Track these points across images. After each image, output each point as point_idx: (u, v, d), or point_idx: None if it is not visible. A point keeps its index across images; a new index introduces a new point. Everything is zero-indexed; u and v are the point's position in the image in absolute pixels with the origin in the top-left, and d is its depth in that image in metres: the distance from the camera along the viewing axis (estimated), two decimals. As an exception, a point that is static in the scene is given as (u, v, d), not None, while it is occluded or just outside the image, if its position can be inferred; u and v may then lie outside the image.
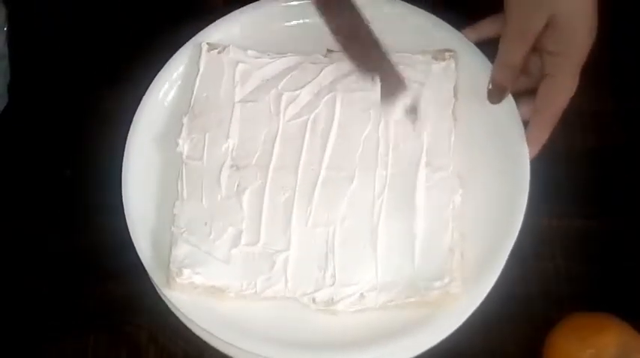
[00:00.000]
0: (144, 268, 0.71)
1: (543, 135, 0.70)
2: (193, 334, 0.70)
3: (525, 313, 0.74)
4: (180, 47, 0.76)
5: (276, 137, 0.71)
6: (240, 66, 0.75)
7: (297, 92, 0.73)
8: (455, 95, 0.73)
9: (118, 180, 0.72)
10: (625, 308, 0.71)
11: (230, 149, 0.71)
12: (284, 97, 0.73)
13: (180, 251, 0.68)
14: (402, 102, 0.72)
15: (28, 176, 0.83)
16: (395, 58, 0.73)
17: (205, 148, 0.71)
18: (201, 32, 0.76)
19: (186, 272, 0.67)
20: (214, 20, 0.77)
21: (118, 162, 0.72)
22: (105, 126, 0.83)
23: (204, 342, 0.70)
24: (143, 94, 0.74)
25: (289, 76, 0.74)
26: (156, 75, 0.75)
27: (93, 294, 0.78)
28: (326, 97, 0.73)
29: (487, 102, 0.72)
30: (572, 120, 0.80)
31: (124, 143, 0.73)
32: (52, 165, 0.84)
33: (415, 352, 0.69)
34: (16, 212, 0.82)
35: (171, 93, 0.75)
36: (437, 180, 0.70)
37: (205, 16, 0.78)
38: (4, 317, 0.78)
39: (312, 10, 0.72)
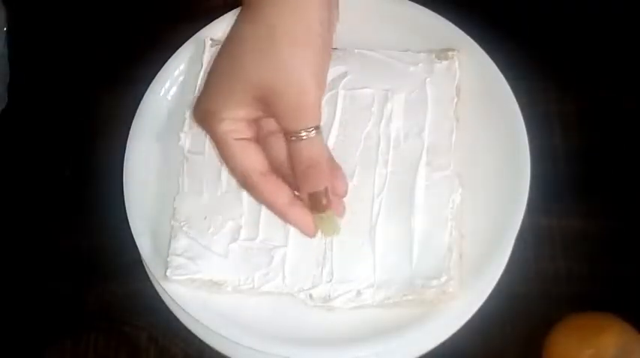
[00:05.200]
0: (144, 268, 0.72)
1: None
2: (193, 335, 0.71)
3: (525, 313, 0.74)
4: (180, 46, 0.76)
5: (277, 133, 0.71)
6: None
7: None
8: (457, 94, 0.72)
9: (118, 180, 0.72)
10: (625, 308, 0.71)
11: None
12: (286, 94, 0.73)
13: (179, 244, 0.68)
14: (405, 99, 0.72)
15: (28, 176, 0.83)
16: (398, 56, 0.74)
17: (207, 143, 0.71)
18: (204, 29, 0.76)
19: (184, 265, 0.67)
20: (213, 20, 0.77)
21: (118, 162, 0.72)
22: (105, 126, 0.83)
23: (204, 343, 0.70)
24: (143, 94, 0.74)
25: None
26: (156, 74, 0.75)
27: (93, 294, 0.78)
28: (327, 95, 0.72)
29: (489, 101, 0.72)
30: (572, 119, 0.80)
31: (124, 143, 0.73)
32: (52, 165, 0.84)
33: (413, 351, 0.69)
34: (15, 212, 0.82)
35: (174, 89, 0.75)
36: (437, 179, 0.69)
37: (204, 15, 0.78)
38: (4, 318, 0.78)
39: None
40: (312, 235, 0.61)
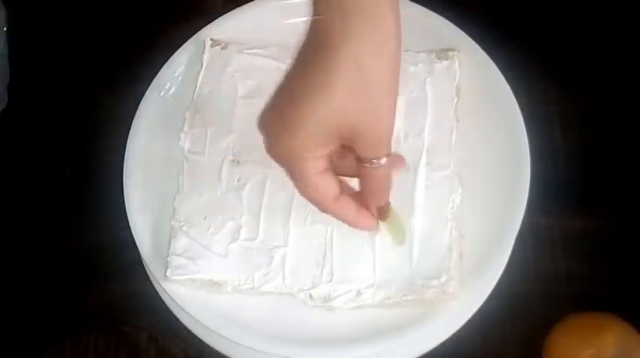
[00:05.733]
0: (144, 268, 0.72)
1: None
2: (193, 334, 0.71)
3: (525, 313, 0.74)
4: (180, 46, 0.76)
5: (277, 133, 0.71)
6: (243, 62, 0.75)
7: (299, 89, 0.73)
8: (457, 94, 0.73)
9: (118, 180, 0.72)
10: (625, 308, 0.71)
11: (231, 144, 0.71)
12: (286, 94, 0.73)
13: (179, 244, 0.68)
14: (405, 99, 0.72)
15: (28, 176, 0.83)
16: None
17: (207, 143, 0.72)
18: (204, 29, 0.77)
19: (184, 265, 0.67)
20: (213, 20, 0.77)
21: (118, 162, 0.72)
22: (105, 125, 0.83)
23: (204, 343, 0.70)
24: (143, 94, 0.74)
25: (292, 72, 0.74)
26: (156, 74, 0.75)
27: (93, 294, 0.78)
28: (328, 95, 0.72)
29: (489, 101, 0.72)
30: (572, 119, 0.80)
31: (125, 142, 0.73)
32: (52, 165, 0.84)
33: (413, 351, 0.69)
34: (15, 212, 0.82)
35: (174, 89, 0.75)
36: (437, 179, 0.69)
37: (204, 16, 0.78)
38: (5, 318, 0.78)
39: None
40: (377, 229, 0.63)
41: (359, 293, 0.66)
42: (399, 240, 0.66)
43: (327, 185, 0.60)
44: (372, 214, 0.62)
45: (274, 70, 0.74)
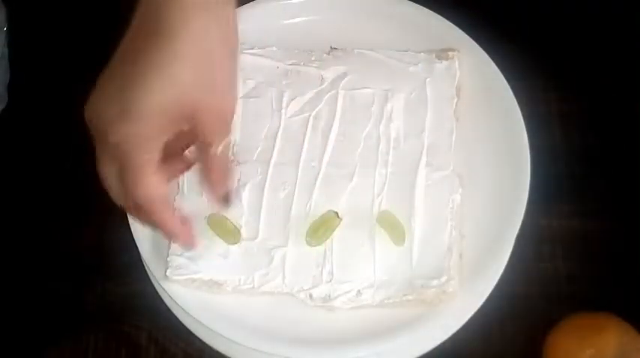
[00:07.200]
0: (144, 268, 0.72)
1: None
2: (193, 334, 0.70)
3: (525, 313, 0.74)
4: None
5: (277, 133, 0.71)
6: (243, 62, 0.74)
7: (299, 89, 0.73)
8: (457, 94, 0.73)
9: (118, 180, 0.72)
10: (625, 308, 0.71)
11: (231, 144, 0.71)
12: (286, 94, 0.73)
13: (180, 244, 0.68)
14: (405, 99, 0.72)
15: (27, 176, 0.83)
16: (398, 56, 0.74)
17: (207, 143, 0.72)
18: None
19: (184, 264, 0.67)
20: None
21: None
22: (105, 126, 0.83)
23: (204, 342, 0.70)
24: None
25: (292, 72, 0.74)
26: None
27: (93, 294, 0.78)
28: (328, 95, 0.73)
29: (489, 101, 0.72)
30: (572, 120, 0.80)
31: (124, 142, 0.72)
32: (52, 164, 0.83)
33: (413, 351, 0.69)
34: (15, 212, 0.82)
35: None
36: (437, 179, 0.69)
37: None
38: (5, 318, 0.78)
39: (316, 7, 0.72)
40: (195, 246, 0.65)
41: (359, 293, 0.66)
42: (398, 239, 0.66)
43: (160, 183, 0.56)
44: (219, 202, 0.62)
45: (274, 69, 0.74)
